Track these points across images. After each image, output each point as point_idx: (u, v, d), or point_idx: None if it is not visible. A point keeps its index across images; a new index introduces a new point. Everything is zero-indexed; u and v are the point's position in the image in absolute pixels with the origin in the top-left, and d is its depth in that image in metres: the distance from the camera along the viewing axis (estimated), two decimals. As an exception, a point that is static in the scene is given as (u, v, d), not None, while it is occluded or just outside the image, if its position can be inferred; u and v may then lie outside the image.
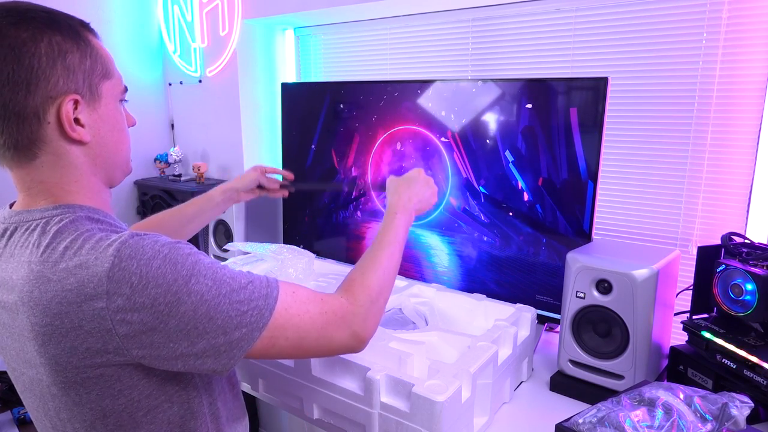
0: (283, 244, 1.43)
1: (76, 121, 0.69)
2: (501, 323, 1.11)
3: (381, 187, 1.09)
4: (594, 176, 1.22)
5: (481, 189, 1.40)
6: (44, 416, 0.74)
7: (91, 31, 0.73)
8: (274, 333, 0.70)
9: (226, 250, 1.80)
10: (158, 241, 0.65)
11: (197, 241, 2.09)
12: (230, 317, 0.66)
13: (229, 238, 1.86)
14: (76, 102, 0.68)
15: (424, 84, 1.47)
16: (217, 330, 0.65)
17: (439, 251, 1.52)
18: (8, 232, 0.71)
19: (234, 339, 0.67)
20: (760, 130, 1.30)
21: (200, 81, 2.38)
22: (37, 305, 0.63)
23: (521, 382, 1.19)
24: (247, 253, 1.45)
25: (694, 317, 1.14)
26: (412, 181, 1.02)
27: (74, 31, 0.69)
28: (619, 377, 1.07)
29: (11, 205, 0.75)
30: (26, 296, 0.64)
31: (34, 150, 0.68)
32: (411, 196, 0.99)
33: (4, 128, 0.66)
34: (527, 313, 1.19)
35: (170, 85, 2.54)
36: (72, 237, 0.65)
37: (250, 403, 2.08)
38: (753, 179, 1.33)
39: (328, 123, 1.68)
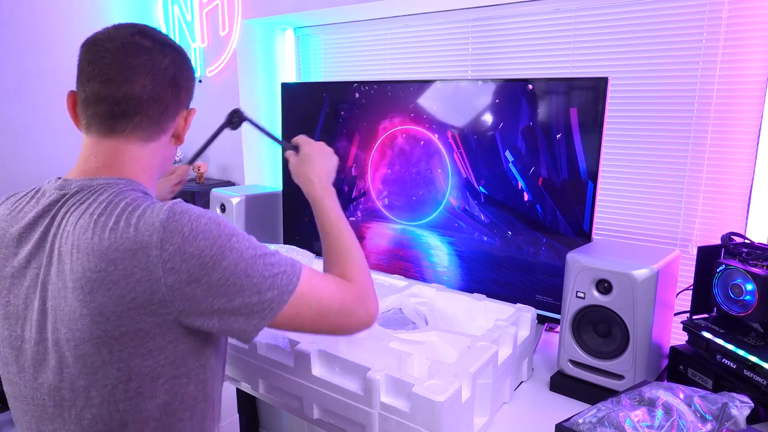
0: (282, 244, 1.42)
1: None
2: (501, 323, 1.11)
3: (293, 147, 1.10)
4: (594, 176, 1.22)
5: (481, 189, 1.40)
6: (47, 395, 0.74)
7: None
8: (301, 300, 0.76)
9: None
10: (201, 208, 0.74)
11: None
12: (264, 277, 0.73)
13: (229, 238, 1.86)
14: (194, 113, 0.87)
15: (424, 84, 1.47)
16: (253, 288, 0.72)
17: (439, 251, 1.52)
18: (68, 195, 0.76)
19: (266, 299, 0.73)
20: (760, 130, 1.31)
21: (200, 81, 2.38)
22: (94, 251, 0.68)
23: (521, 382, 1.19)
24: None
25: (694, 317, 1.14)
26: (315, 159, 1.04)
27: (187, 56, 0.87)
28: (619, 377, 1.07)
29: (58, 178, 0.81)
30: (84, 243, 0.69)
31: (159, 135, 0.82)
32: (322, 176, 1.02)
33: (167, 107, 0.81)
34: (527, 313, 1.19)
35: (170, 85, 2.54)
36: (132, 197, 0.74)
37: (250, 403, 2.08)
38: (753, 179, 1.33)
39: (328, 123, 1.68)
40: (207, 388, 0.79)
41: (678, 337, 1.19)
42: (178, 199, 0.74)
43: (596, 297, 1.07)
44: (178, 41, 2.41)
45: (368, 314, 0.85)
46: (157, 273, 0.68)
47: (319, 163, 1.03)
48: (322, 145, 1.08)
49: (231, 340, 1.15)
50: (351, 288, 0.85)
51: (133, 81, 0.76)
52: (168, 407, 0.75)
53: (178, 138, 0.86)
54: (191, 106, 0.89)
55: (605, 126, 1.20)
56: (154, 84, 0.78)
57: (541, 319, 1.32)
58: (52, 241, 0.74)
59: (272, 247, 1.39)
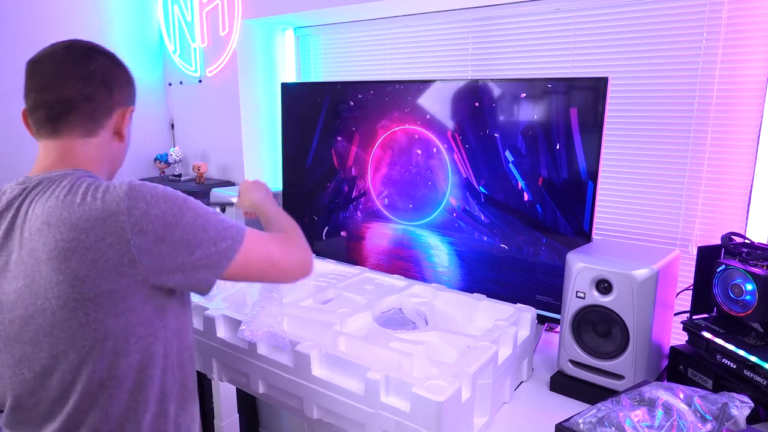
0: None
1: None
2: (501, 323, 1.11)
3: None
4: (594, 176, 1.22)
5: (481, 189, 1.40)
6: (26, 368, 0.81)
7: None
8: (249, 248, 0.88)
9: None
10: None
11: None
12: (218, 230, 0.84)
13: (229, 238, 1.86)
14: (132, 111, 0.96)
15: (424, 84, 1.47)
16: (210, 241, 0.83)
17: (439, 251, 1.52)
18: (29, 188, 0.84)
19: (222, 249, 0.84)
20: (760, 130, 1.31)
21: (200, 81, 2.38)
22: (65, 223, 0.77)
23: (521, 382, 1.19)
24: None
25: (694, 317, 1.14)
26: (249, 187, 1.23)
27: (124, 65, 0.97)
28: (619, 377, 1.07)
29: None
30: (54, 218, 0.77)
31: (98, 130, 0.91)
32: (259, 193, 1.21)
33: (99, 104, 0.90)
34: (527, 313, 1.19)
35: (170, 85, 2.54)
36: (91, 180, 0.83)
37: (250, 403, 2.08)
38: (753, 179, 1.33)
39: (328, 123, 1.68)
40: (168, 347, 0.88)
41: (678, 337, 1.19)
42: (132, 178, 0.83)
43: (596, 297, 1.07)
44: (178, 41, 2.42)
45: (306, 259, 0.98)
46: (127, 236, 0.77)
47: (253, 188, 1.22)
48: (255, 180, 1.26)
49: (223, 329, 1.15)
50: (287, 238, 0.98)
51: (63, 85, 0.87)
52: (140, 366, 0.83)
53: (119, 134, 0.95)
54: (145, 108, 0.98)
55: (605, 126, 1.20)
56: (84, 85, 0.88)
57: (541, 319, 1.32)
58: (21, 228, 0.81)
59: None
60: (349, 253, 1.71)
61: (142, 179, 2.43)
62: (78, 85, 0.88)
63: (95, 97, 0.89)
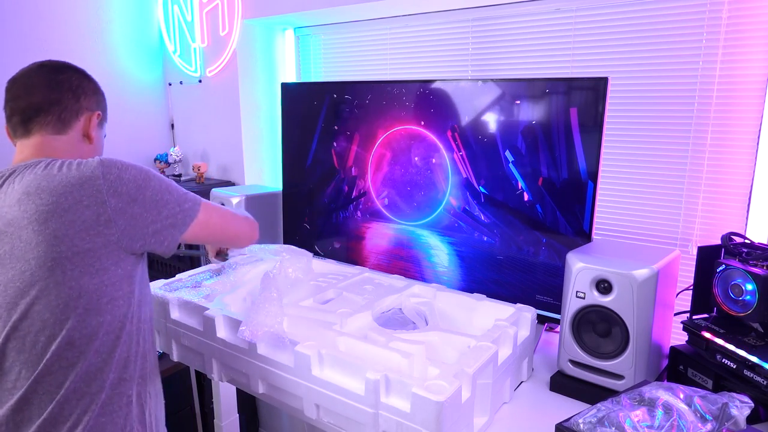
0: (282, 245, 1.42)
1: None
2: (501, 323, 1.11)
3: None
4: (594, 176, 1.22)
5: (481, 189, 1.40)
6: (2, 333, 0.88)
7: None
8: (208, 209, 1.03)
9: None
10: None
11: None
12: (180, 194, 0.98)
13: (229, 238, 1.86)
14: (99, 116, 1.07)
15: (424, 84, 1.47)
16: (174, 201, 0.96)
17: (439, 251, 1.52)
18: (5, 175, 0.93)
19: (186, 209, 0.98)
20: (760, 130, 1.31)
21: (200, 81, 2.38)
22: (44, 190, 0.86)
23: (521, 382, 1.19)
24: (245, 254, 1.45)
25: (694, 317, 1.14)
26: None
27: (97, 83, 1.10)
28: (619, 377, 1.07)
29: None
30: (34, 188, 0.87)
31: (67, 129, 1.02)
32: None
33: (66, 107, 1.01)
34: (527, 313, 1.19)
35: (170, 85, 2.54)
36: (63, 160, 0.93)
37: (250, 403, 2.08)
38: (753, 179, 1.33)
39: (328, 123, 1.68)
40: (132, 314, 0.96)
41: (678, 337, 1.19)
42: None
43: (596, 297, 1.07)
44: (178, 41, 2.42)
45: (252, 229, 1.17)
46: (103, 197, 0.87)
47: None
48: None
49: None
50: (236, 212, 1.14)
51: (32, 94, 0.99)
52: (110, 327, 0.91)
53: (88, 137, 1.05)
54: (109, 118, 1.13)
55: (605, 126, 1.20)
56: (52, 92, 1.00)
57: (541, 319, 1.32)
58: (1, 206, 0.89)
59: (272, 247, 1.40)
60: (349, 253, 1.71)
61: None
62: (46, 92, 1.00)
63: (62, 101, 1.01)
